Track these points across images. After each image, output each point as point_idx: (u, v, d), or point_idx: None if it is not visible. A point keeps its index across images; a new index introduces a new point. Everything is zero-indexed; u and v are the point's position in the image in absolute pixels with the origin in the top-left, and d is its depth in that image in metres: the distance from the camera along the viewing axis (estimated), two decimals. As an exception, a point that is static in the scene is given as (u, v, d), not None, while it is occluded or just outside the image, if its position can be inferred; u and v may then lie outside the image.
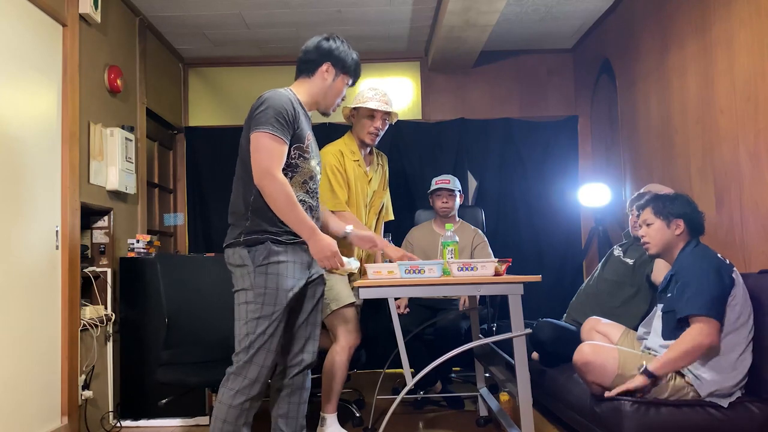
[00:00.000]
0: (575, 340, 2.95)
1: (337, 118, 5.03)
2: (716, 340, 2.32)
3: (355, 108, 3.13)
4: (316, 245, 2.25)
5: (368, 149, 3.21)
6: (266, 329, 2.19)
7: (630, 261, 3.17)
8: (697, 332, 2.31)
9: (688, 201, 2.58)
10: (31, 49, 2.98)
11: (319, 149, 3.18)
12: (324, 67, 2.40)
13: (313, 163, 2.39)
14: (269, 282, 2.21)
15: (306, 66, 2.42)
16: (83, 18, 3.39)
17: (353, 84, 2.51)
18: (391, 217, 3.41)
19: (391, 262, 2.84)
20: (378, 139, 3.14)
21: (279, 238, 2.25)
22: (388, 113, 3.10)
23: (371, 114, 3.07)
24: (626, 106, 4.31)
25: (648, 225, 2.58)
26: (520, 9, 4.38)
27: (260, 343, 2.19)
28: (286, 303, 2.23)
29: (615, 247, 3.37)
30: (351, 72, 2.47)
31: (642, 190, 3.08)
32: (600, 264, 3.39)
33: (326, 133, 4.72)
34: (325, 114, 2.50)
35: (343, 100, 2.51)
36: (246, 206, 2.26)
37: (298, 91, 2.38)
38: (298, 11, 4.32)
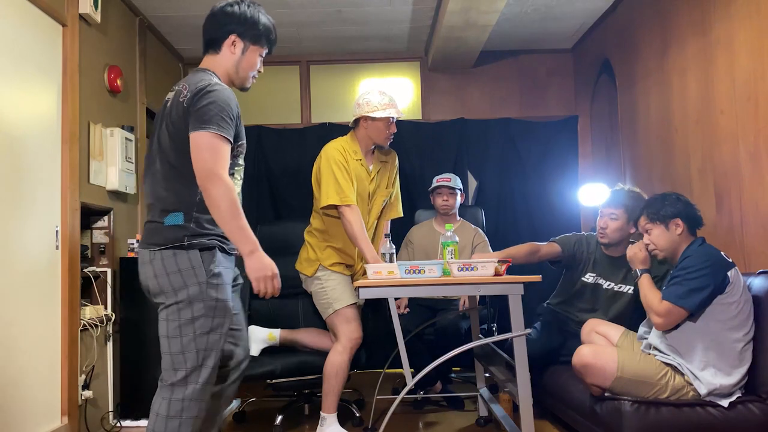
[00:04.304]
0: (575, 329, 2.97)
1: (337, 118, 5.08)
2: (671, 326, 2.43)
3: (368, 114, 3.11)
4: (257, 262, 1.96)
5: (372, 150, 3.21)
6: (218, 342, 2.02)
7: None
8: (664, 310, 2.40)
9: (678, 198, 2.57)
10: (31, 49, 2.98)
11: (321, 148, 3.20)
12: (230, 39, 2.12)
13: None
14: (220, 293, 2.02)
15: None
16: (83, 18, 3.38)
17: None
18: (400, 215, 3.41)
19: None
20: None
21: (224, 246, 2.09)
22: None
23: (388, 120, 3.12)
24: (626, 106, 4.31)
25: (648, 232, 2.58)
26: (520, 9, 4.38)
27: (213, 361, 2.00)
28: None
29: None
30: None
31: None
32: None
33: (327, 133, 4.73)
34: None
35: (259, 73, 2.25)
36: (191, 205, 2.09)
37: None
38: (298, 11, 4.32)
